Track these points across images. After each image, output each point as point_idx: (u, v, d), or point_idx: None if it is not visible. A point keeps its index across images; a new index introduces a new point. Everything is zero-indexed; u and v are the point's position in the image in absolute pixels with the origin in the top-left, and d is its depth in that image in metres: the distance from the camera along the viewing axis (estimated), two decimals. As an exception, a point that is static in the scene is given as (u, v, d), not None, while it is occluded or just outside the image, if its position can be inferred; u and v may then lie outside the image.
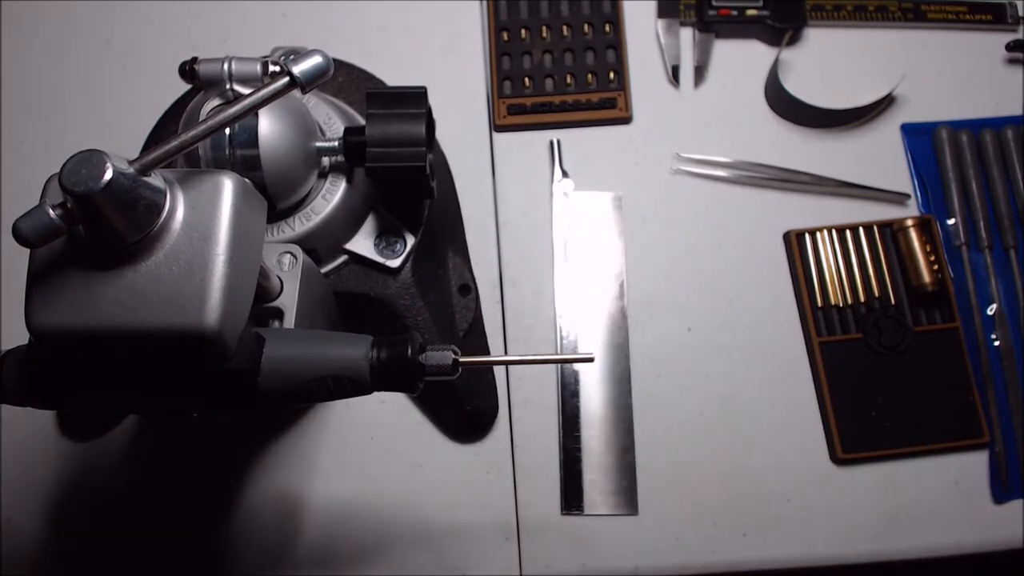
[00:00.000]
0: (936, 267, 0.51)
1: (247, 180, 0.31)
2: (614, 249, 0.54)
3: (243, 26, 0.59)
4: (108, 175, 0.26)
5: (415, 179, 0.43)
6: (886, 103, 0.56)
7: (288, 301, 0.38)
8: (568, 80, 0.57)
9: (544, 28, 0.58)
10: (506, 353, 0.52)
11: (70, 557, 0.49)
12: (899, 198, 0.54)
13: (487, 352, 0.52)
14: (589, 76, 0.57)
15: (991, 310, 0.52)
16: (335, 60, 0.31)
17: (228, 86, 0.40)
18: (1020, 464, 0.49)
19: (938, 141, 0.55)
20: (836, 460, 0.49)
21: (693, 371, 0.51)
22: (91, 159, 0.26)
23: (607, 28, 0.58)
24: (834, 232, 0.53)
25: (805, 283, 0.52)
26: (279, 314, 0.38)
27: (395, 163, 0.42)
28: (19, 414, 0.49)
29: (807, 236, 0.53)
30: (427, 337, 0.37)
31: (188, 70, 0.40)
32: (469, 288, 0.51)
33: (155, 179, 0.28)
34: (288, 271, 0.39)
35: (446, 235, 0.52)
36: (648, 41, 0.58)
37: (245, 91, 0.37)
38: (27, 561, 0.49)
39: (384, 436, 0.50)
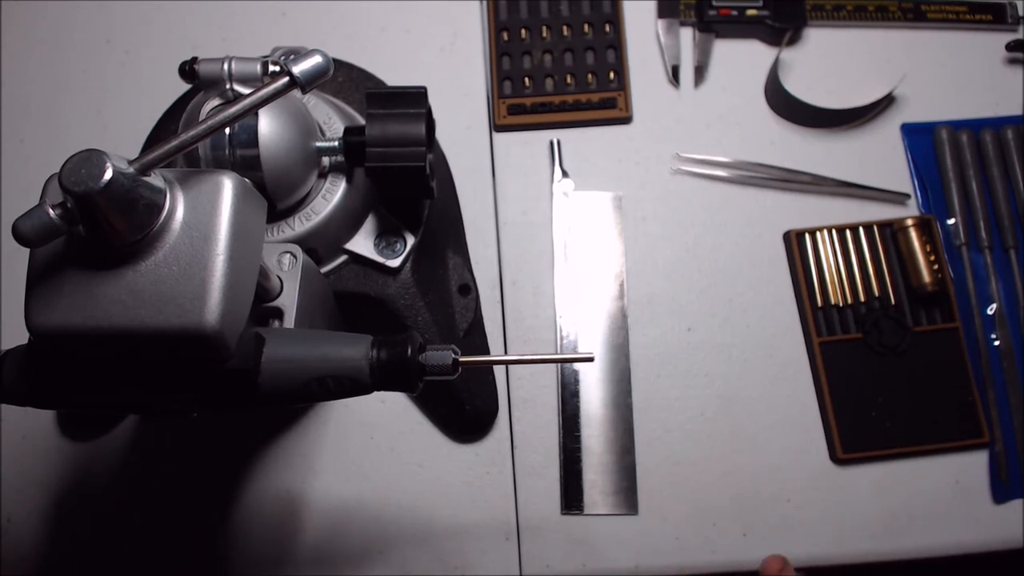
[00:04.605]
0: (936, 267, 0.51)
1: (247, 180, 0.31)
2: (614, 249, 0.54)
3: (243, 26, 0.59)
4: (108, 175, 0.26)
5: (415, 179, 0.43)
6: (886, 103, 0.56)
7: (288, 301, 0.38)
8: (568, 80, 0.57)
9: (544, 28, 0.58)
10: (506, 353, 0.52)
11: (70, 557, 0.49)
12: (899, 198, 0.54)
13: (487, 352, 0.52)
14: (589, 76, 0.57)
15: (991, 310, 0.52)
16: (335, 60, 0.31)
17: (228, 86, 0.40)
18: (1020, 464, 0.49)
19: (938, 141, 0.55)
20: (836, 460, 0.49)
21: (693, 371, 0.51)
22: (91, 159, 0.26)
23: (607, 28, 0.58)
24: (834, 232, 0.53)
25: (805, 283, 0.52)
26: (279, 314, 0.38)
27: (395, 163, 0.42)
28: (19, 414, 0.50)
29: (807, 236, 0.53)
30: (427, 337, 0.37)
31: (188, 70, 0.40)
32: (469, 288, 0.51)
33: (155, 179, 0.28)
34: (288, 271, 0.39)
35: (446, 235, 0.52)
36: (648, 41, 0.58)
37: (245, 91, 0.37)
38: (27, 561, 0.49)
39: (384, 436, 0.50)
